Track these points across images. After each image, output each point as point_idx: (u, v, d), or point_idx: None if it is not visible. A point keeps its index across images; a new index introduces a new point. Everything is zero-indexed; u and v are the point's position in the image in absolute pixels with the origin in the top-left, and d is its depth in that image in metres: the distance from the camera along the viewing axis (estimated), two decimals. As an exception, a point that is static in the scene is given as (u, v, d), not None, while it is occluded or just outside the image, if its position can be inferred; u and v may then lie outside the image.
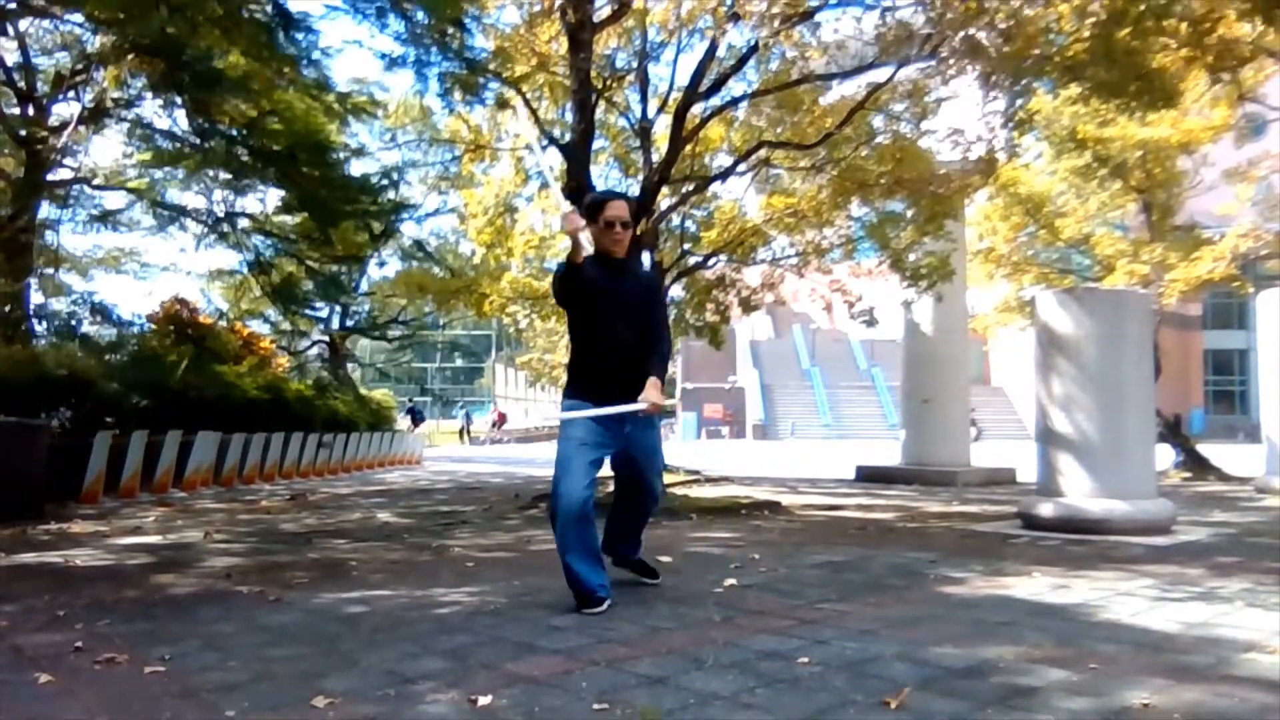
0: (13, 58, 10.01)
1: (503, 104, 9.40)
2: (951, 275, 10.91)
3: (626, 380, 3.60)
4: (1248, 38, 8.70)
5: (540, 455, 25.45)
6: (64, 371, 8.22)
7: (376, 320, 22.56)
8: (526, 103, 9.47)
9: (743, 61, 9.18)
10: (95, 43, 8.02)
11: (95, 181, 10.67)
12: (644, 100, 9.57)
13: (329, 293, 8.78)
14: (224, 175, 7.98)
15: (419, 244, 9.79)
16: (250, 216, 8.03)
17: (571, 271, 3.49)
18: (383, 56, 7.54)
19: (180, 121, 7.81)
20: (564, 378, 3.94)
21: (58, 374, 8.36)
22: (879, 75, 8.78)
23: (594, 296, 3.60)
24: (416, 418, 34.22)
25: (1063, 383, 6.12)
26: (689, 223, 12.19)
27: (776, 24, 7.31)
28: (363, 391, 17.66)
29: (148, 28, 6.05)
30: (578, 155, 8.48)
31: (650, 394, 3.59)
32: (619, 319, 3.63)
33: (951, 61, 7.76)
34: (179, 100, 7.05)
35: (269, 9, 6.34)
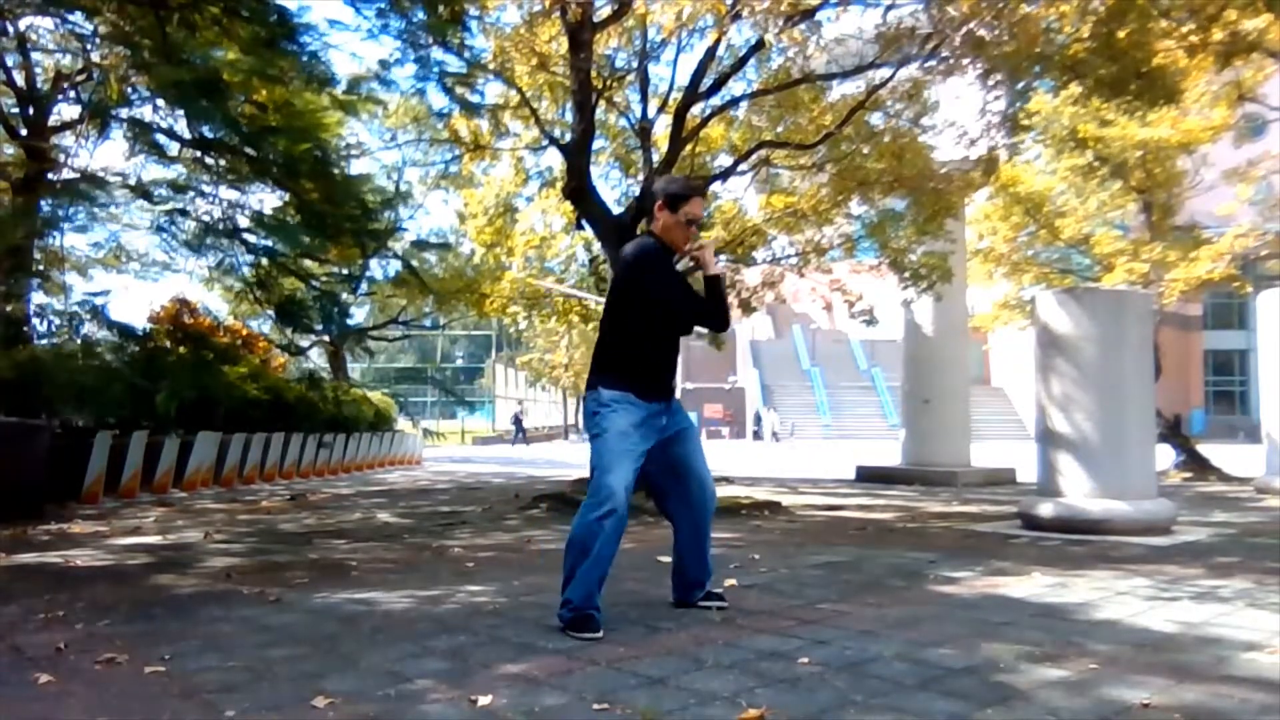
0: (12, 58, 10.00)
1: (498, 116, 9.41)
2: (951, 276, 10.92)
3: (668, 369, 3.48)
4: (1252, 32, 8.70)
5: (540, 456, 25.47)
6: (64, 375, 8.23)
7: (373, 327, 22.58)
8: (527, 103, 9.48)
9: (743, 61, 9.17)
10: (95, 51, 8.04)
11: (96, 181, 10.65)
12: (644, 100, 9.56)
13: (329, 310, 8.75)
14: (224, 185, 7.99)
15: (410, 268, 9.77)
16: (251, 222, 8.03)
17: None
18: (383, 67, 7.58)
19: (180, 125, 7.81)
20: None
21: (57, 376, 8.37)
22: (879, 74, 8.77)
23: (673, 292, 3.41)
24: (519, 426, 35.59)
25: (1063, 383, 6.12)
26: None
27: (780, 23, 7.31)
28: (362, 393, 17.68)
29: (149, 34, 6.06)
30: (577, 155, 8.48)
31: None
32: (678, 317, 3.47)
33: (952, 60, 7.75)
34: (179, 109, 7.06)
35: (269, 12, 6.34)
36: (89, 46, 8.20)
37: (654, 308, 3.39)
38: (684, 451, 3.48)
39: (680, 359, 3.72)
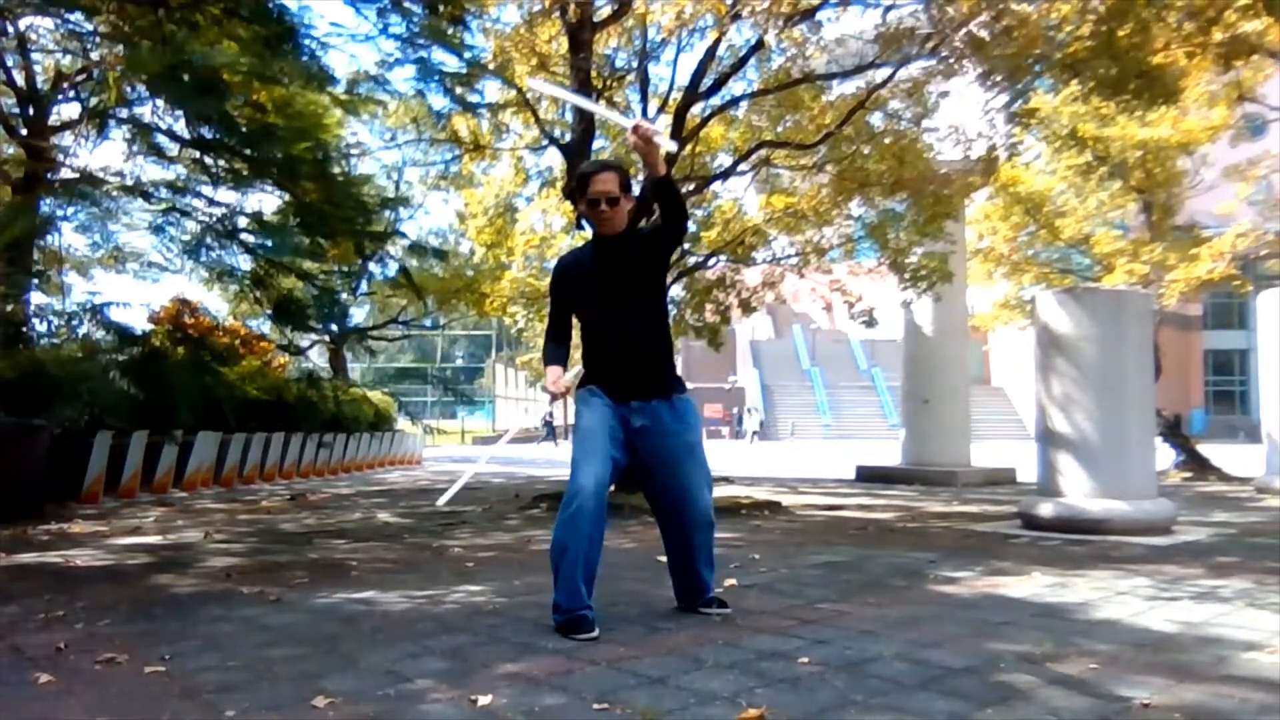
0: (12, 58, 10.00)
1: (497, 114, 9.42)
2: (950, 277, 10.92)
3: (629, 367, 3.35)
4: (1252, 34, 8.72)
5: (541, 456, 25.47)
6: (64, 379, 8.24)
7: (373, 327, 22.62)
8: (528, 103, 9.48)
9: (743, 61, 9.18)
10: (95, 51, 8.05)
11: (93, 180, 10.65)
12: (644, 100, 9.56)
13: (326, 311, 8.75)
14: (223, 185, 7.98)
15: (405, 272, 9.81)
16: (249, 221, 8.02)
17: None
18: (383, 66, 7.58)
19: (180, 125, 7.82)
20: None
21: (57, 375, 8.38)
22: (879, 74, 8.78)
23: (592, 290, 3.36)
24: (550, 426, 35.71)
25: (1063, 383, 6.12)
26: (689, 222, 12.17)
27: (779, 23, 7.31)
28: (362, 393, 17.72)
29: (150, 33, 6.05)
30: (578, 155, 8.48)
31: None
32: (621, 307, 3.33)
33: (952, 60, 7.76)
34: (176, 107, 7.05)
35: (269, 12, 6.34)
36: (89, 46, 8.20)
37: (582, 315, 3.47)
38: (669, 460, 3.33)
39: (679, 360, 3.69)
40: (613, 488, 3.61)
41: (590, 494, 3.17)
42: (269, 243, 7.94)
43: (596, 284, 3.36)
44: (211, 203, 8.22)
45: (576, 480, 3.21)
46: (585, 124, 8.27)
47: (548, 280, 12.35)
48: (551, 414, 39.28)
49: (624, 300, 3.35)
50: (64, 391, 7.82)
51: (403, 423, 19.90)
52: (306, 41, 6.41)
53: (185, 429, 9.81)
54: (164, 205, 8.04)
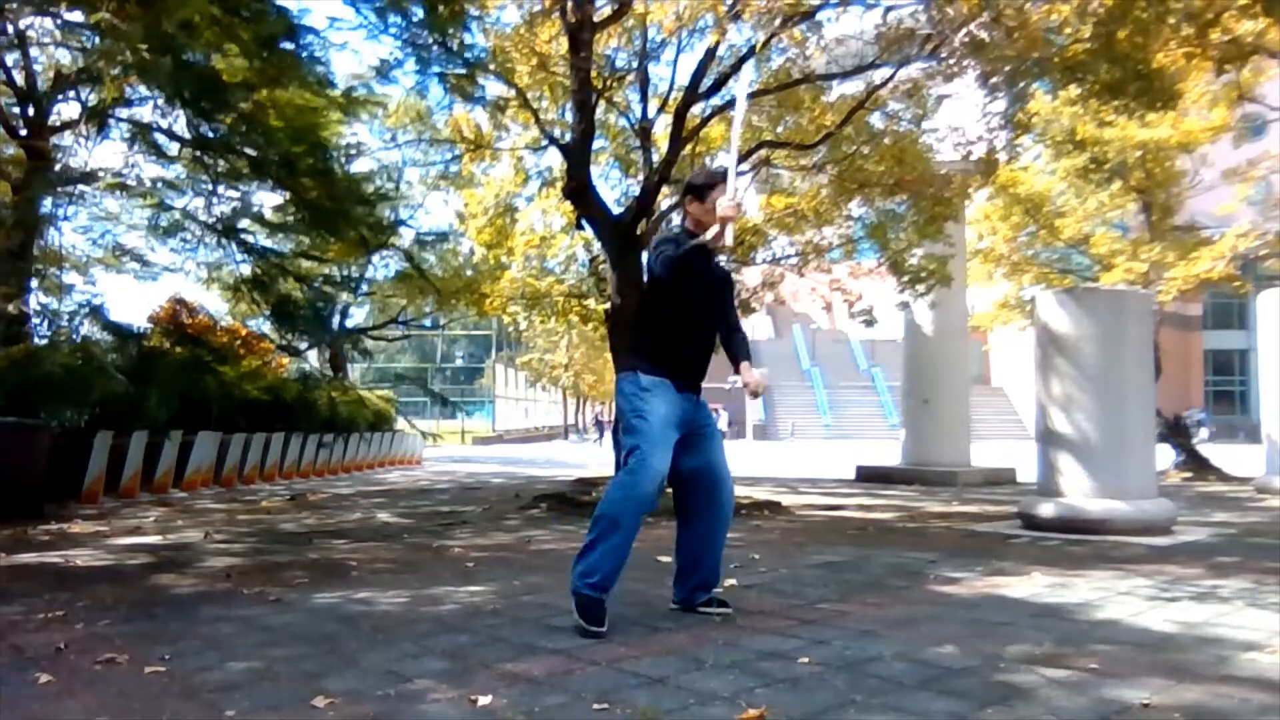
0: (12, 58, 9.99)
1: (501, 108, 9.40)
2: (950, 281, 10.93)
3: (701, 362, 3.55)
4: (1250, 34, 8.71)
5: (540, 455, 25.48)
6: (63, 372, 8.23)
7: (373, 327, 22.56)
8: (527, 103, 9.47)
9: (743, 61, 9.17)
10: (95, 51, 8.06)
11: (96, 180, 10.66)
12: (644, 100, 9.56)
13: (323, 312, 8.77)
14: (223, 184, 7.99)
15: (413, 263, 9.79)
16: (250, 220, 8.04)
17: (703, 254, 3.37)
18: (384, 64, 7.57)
19: (180, 125, 7.83)
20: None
21: (57, 374, 8.37)
22: (879, 75, 8.78)
23: (697, 278, 3.46)
24: (601, 427, 35.51)
25: (1063, 383, 6.13)
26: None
27: (778, 23, 7.31)
28: (358, 394, 17.73)
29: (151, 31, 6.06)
30: (578, 155, 8.48)
31: (748, 375, 3.50)
32: (706, 303, 3.55)
33: (952, 61, 7.76)
34: (179, 107, 7.05)
35: (270, 12, 6.34)
36: (88, 45, 8.22)
37: (684, 303, 3.46)
38: (710, 449, 3.51)
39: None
40: None
41: (659, 482, 3.25)
42: (270, 243, 7.97)
43: (703, 278, 3.49)
44: (210, 199, 8.24)
45: (652, 465, 3.22)
46: (585, 124, 8.27)
47: (547, 280, 12.33)
48: (602, 413, 38.79)
49: (713, 302, 3.59)
50: (44, 387, 7.81)
51: (402, 423, 19.87)
52: (308, 39, 6.42)
53: (162, 425, 9.73)
54: (154, 201, 8.04)
